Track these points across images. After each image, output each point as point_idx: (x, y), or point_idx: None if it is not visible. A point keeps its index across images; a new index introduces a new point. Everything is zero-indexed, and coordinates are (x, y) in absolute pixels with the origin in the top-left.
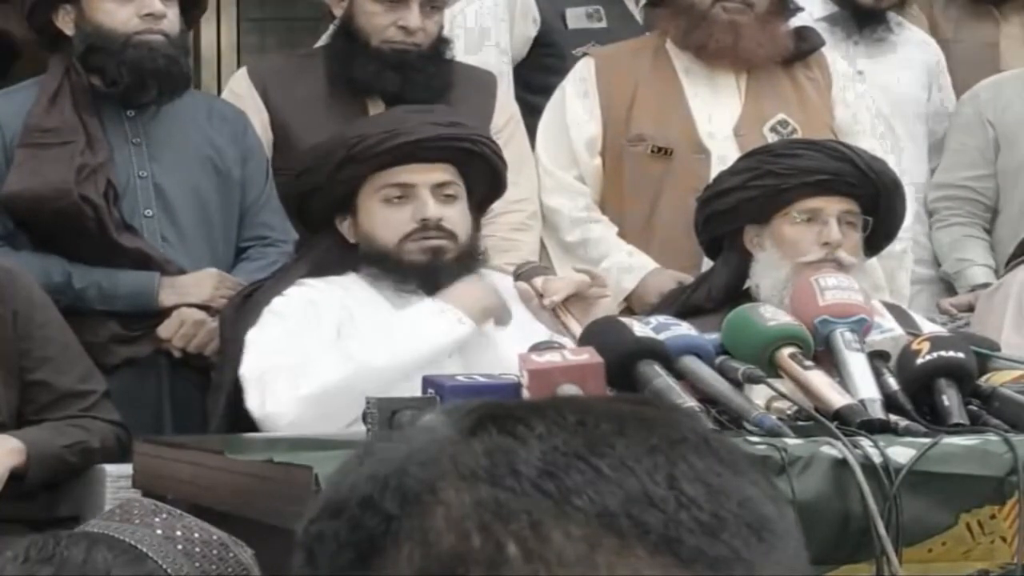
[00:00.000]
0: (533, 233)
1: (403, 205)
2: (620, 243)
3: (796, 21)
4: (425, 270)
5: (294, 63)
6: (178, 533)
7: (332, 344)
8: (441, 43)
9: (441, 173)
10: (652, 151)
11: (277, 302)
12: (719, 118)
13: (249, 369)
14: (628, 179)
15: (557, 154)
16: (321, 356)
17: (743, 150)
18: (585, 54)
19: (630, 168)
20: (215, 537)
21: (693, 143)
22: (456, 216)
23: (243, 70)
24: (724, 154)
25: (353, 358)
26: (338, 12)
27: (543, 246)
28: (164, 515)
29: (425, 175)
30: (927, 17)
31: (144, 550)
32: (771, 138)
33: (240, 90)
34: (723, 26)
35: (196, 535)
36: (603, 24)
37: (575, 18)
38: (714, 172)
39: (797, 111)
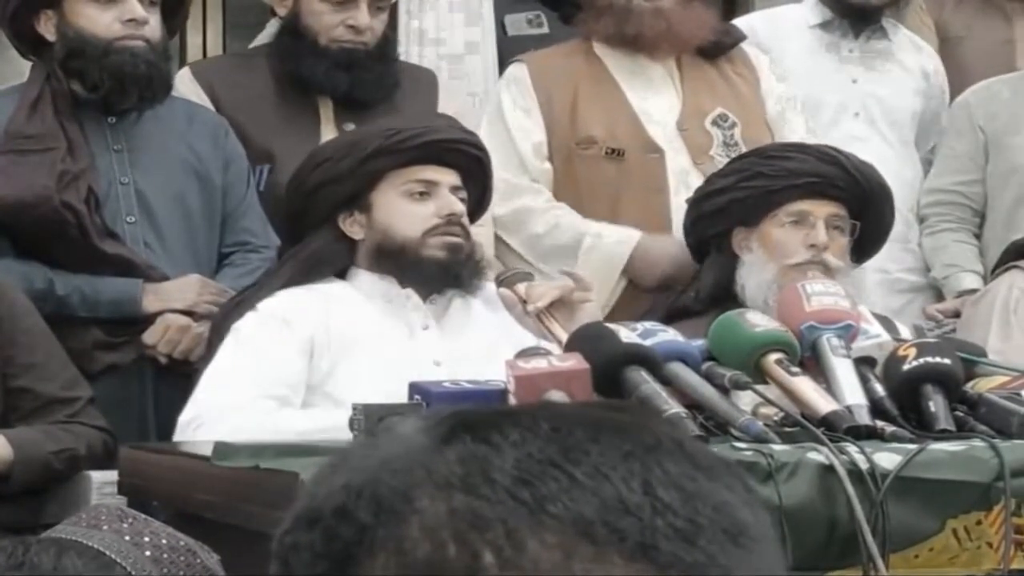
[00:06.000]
0: (489, 229)
1: (426, 201)
2: (591, 222)
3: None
4: (442, 265)
5: (237, 63)
6: (146, 539)
7: (276, 380)
8: (386, 42)
9: (455, 177)
10: (606, 153)
11: (245, 321)
12: (661, 114)
13: (185, 418)
14: (584, 182)
15: (506, 163)
16: (246, 408)
17: (688, 145)
18: (515, 60)
19: (584, 171)
20: (182, 543)
21: (645, 143)
22: (467, 219)
23: (186, 70)
24: (673, 151)
25: (273, 415)
26: (282, 11)
27: (512, 253)
28: (131, 520)
29: (445, 176)
30: (934, 18)
31: (112, 556)
32: (713, 132)
33: (186, 90)
34: (650, 14)
35: (163, 541)
36: (544, 30)
37: (515, 24)
38: (669, 170)
39: (733, 105)
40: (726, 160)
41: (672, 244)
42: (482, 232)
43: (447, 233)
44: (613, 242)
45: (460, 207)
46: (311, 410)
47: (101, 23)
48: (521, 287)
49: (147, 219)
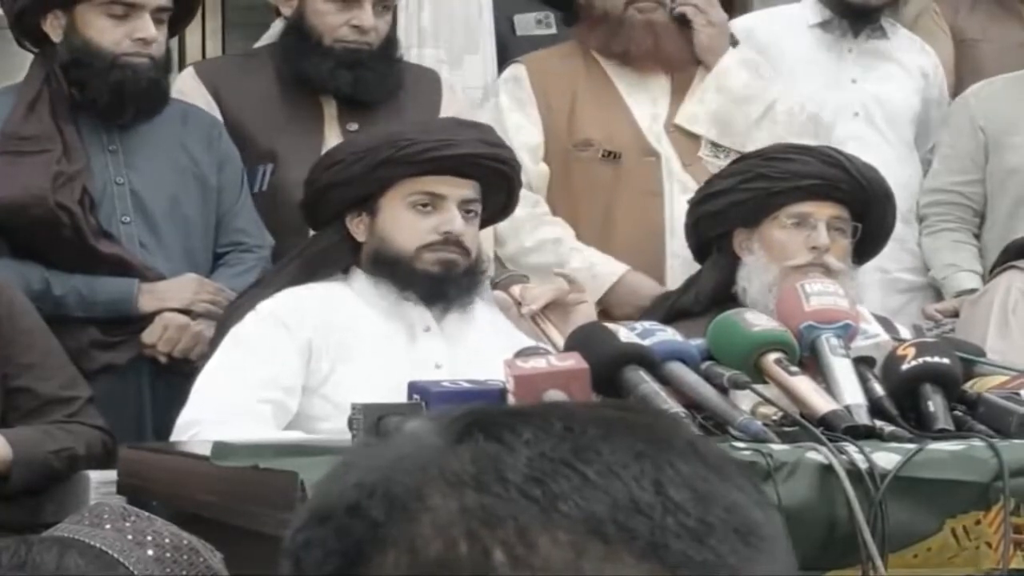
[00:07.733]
0: (488, 231)
1: (429, 214)
2: (581, 245)
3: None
4: (435, 280)
5: (240, 63)
6: (149, 538)
7: (272, 383)
8: (390, 42)
9: (469, 190)
10: (602, 155)
11: (244, 322)
12: (651, 116)
13: (183, 419)
14: (579, 184)
15: None
16: (243, 415)
17: (676, 146)
18: (514, 60)
19: (580, 173)
20: (185, 542)
21: (641, 146)
22: (472, 234)
23: (190, 69)
24: (667, 154)
25: (269, 422)
26: (286, 11)
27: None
28: (134, 519)
29: (456, 189)
30: (949, 21)
31: (115, 555)
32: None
33: (189, 90)
34: (641, 29)
35: (167, 540)
36: (552, 31)
37: (524, 24)
38: (665, 173)
39: None
40: (715, 161)
41: (652, 289)
42: (481, 232)
43: (443, 251)
44: (600, 270)
45: (460, 225)
46: (312, 436)
47: (110, 37)
48: (516, 289)
49: (142, 219)
